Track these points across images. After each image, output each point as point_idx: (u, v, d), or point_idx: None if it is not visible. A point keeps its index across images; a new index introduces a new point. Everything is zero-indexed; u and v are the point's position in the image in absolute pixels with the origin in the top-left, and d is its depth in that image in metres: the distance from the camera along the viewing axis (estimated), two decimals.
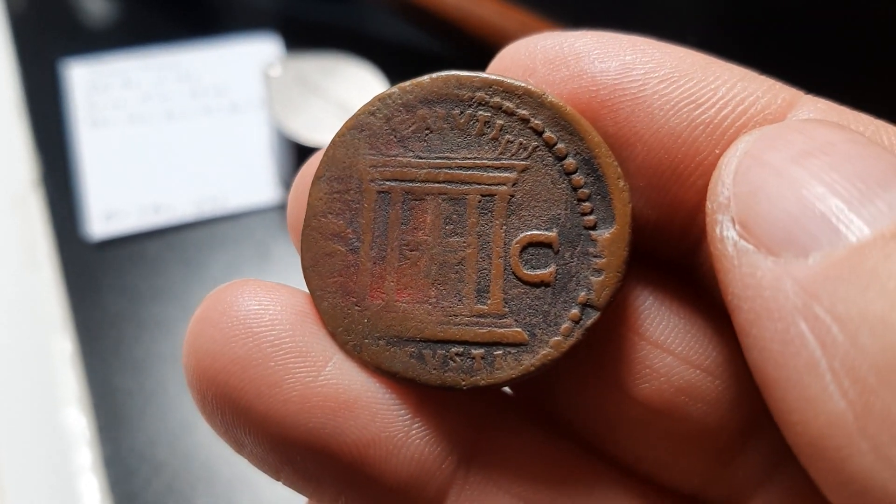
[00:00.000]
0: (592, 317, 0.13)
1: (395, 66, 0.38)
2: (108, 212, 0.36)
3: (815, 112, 0.12)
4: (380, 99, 0.13)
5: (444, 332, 0.13)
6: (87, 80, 0.40)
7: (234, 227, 0.37)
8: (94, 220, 0.36)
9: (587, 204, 0.13)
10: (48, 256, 0.35)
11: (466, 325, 0.13)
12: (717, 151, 0.12)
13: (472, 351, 0.13)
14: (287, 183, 0.37)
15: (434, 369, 0.13)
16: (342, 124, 0.13)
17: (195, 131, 0.39)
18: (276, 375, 0.12)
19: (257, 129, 0.39)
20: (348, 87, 0.36)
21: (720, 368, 0.13)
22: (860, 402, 0.09)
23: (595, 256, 0.13)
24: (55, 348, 0.33)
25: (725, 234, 0.11)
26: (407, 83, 0.13)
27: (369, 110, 0.13)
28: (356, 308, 0.13)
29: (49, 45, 0.41)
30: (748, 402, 0.13)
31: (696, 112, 0.12)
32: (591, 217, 0.13)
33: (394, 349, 0.13)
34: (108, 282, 0.35)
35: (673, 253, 0.14)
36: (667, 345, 0.13)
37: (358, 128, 0.13)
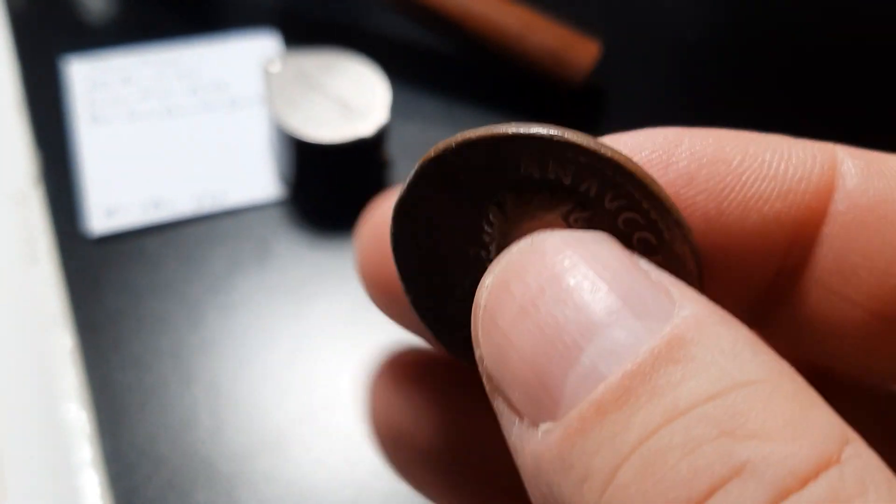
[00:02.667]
0: None
1: (396, 62, 0.38)
2: (108, 208, 0.36)
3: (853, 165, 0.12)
4: None
5: None
6: (87, 77, 0.40)
7: (233, 223, 0.37)
8: (94, 215, 0.36)
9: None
10: (48, 252, 0.35)
11: None
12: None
13: None
14: (287, 179, 0.37)
15: None
16: None
17: (195, 128, 0.39)
18: None
19: (257, 125, 0.39)
20: (348, 83, 0.36)
21: None
22: None
23: None
24: (55, 344, 0.33)
25: (496, 405, 0.11)
26: None
27: None
28: None
29: (49, 41, 0.41)
30: None
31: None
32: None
33: None
34: (108, 277, 0.35)
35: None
36: None
37: None
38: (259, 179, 0.38)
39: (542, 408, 0.10)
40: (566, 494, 0.09)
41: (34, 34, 0.42)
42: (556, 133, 0.12)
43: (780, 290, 0.13)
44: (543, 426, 0.09)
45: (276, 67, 0.36)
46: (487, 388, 0.11)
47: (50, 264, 0.35)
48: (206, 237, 0.36)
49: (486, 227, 0.13)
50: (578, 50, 0.40)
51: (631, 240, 0.12)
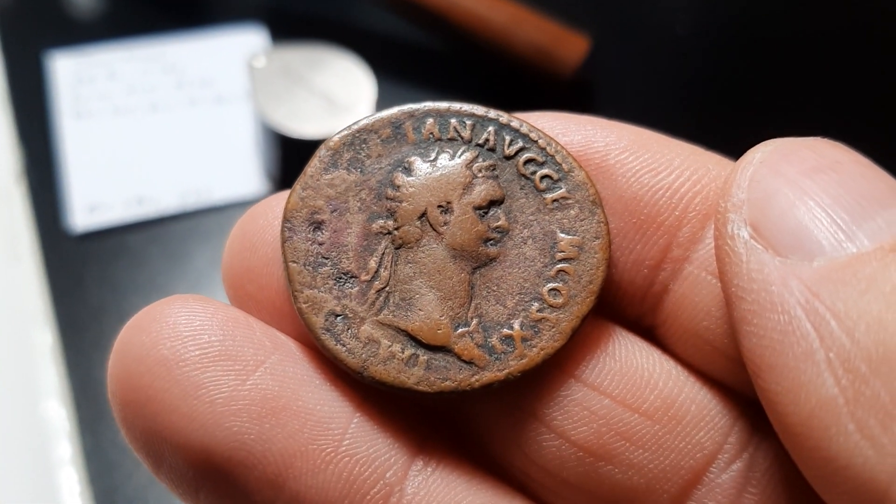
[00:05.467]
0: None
1: (381, 57, 0.38)
2: (91, 204, 0.36)
3: None
4: None
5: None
6: (71, 72, 0.40)
7: (218, 220, 0.36)
8: (77, 212, 0.35)
9: None
10: (30, 248, 0.35)
11: None
12: (677, 213, 0.13)
13: None
14: (272, 174, 0.37)
15: None
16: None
17: (180, 123, 0.39)
18: (202, 377, 0.12)
19: (242, 120, 0.39)
20: (333, 78, 0.35)
21: (659, 412, 0.13)
22: (851, 388, 0.10)
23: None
24: (36, 341, 0.33)
25: (737, 233, 0.12)
26: None
27: None
28: None
29: (34, 36, 0.41)
30: (690, 449, 0.13)
31: (656, 178, 0.14)
32: None
33: None
34: (90, 274, 0.34)
35: (633, 311, 0.14)
36: (603, 388, 0.13)
37: None
38: (244, 175, 0.37)
39: (820, 246, 0.11)
40: (848, 302, 0.10)
41: (19, 29, 0.42)
42: (451, 105, 0.14)
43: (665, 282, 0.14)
44: (818, 260, 0.11)
45: (260, 62, 0.36)
46: (731, 232, 0.12)
47: (32, 261, 0.35)
48: (190, 234, 0.36)
49: (389, 192, 0.14)
50: (567, 45, 0.39)
51: (535, 180, 0.14)
